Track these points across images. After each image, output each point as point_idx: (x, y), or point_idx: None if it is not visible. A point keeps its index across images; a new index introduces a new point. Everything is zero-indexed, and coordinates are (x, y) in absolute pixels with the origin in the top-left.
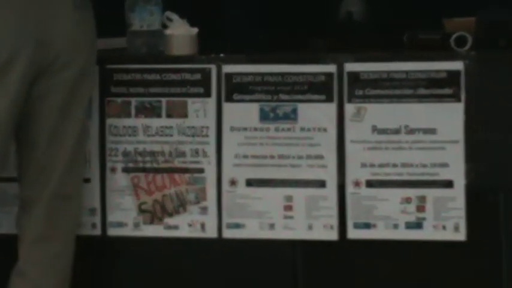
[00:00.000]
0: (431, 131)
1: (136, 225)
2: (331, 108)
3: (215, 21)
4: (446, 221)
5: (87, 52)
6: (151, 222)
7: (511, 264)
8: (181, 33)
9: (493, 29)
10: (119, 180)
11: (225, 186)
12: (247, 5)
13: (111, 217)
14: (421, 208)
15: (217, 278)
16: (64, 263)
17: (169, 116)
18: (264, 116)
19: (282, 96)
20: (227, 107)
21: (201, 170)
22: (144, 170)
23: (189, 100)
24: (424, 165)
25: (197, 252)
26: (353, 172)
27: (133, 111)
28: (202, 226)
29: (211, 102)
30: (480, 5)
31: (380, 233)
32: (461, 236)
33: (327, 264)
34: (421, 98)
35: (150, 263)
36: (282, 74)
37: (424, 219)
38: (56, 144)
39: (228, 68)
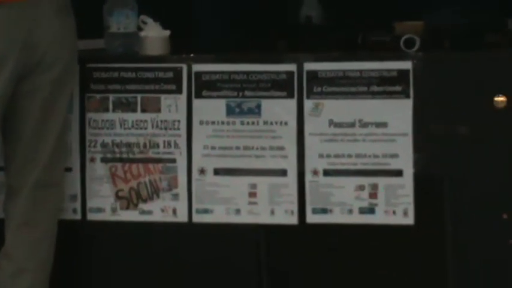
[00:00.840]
0: (383, 125)
1: (113, 211)
2: (291, 103)
3: (186, 24)
4: (396, 206)
5: (69, 53)
6: (127, 207)
7: (455, 245)
8: (155, 35)
9: (439, 32)
10: (98, 169)
11: (195, 174)
12: (216, 10)
13: (91, 203)
14: (373, 195)
15: (187, 259)
16: (47, 246)
17: (144, 110)
18: (230, 111)
19: (247, 93)
20: (197, 102)
21: (173, 160)
22: (120, 160)
23: (162, 96)
24: (376, 156)
25: (169, 235)
26: (312, 162)
27: (111, 106)
28: (174, 211)
29: (182, 98)
30: (427, 9)
31: (336, 217)
32: (409, 220)
33: (288, 247)
34: (374, 95)
35: (126, 245)
36: (247, 73)
37: (376, 205)
38: (40, 137)
39: (197, 67)
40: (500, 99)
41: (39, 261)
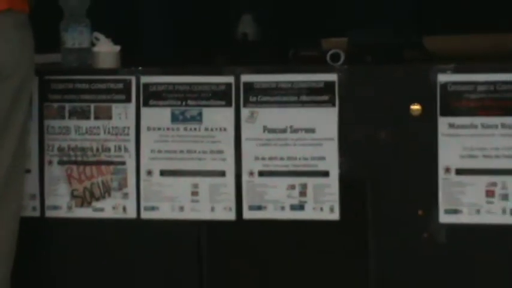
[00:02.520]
0: (311, 130)
1: (69, 208)
2: (229, 112)
3: (135, 40)
4: (323, 203)
5: (27, 66)
6: (82, 205)
7: (375, 238)
8: (106, 50)
9: (361, 48)
10: (55, 171)
11: (143, 175)
12: (163, 27)
13: (48, 201)
14: (303, 193)
15: (136, 253)
16: (10, 242)
17: (96, 118)
18: (174, 118)
19: (190, 102)
20: (144, 110)
21: (123, 163)
22: (75, 162)
23: (113, 105)
24: (306, 159)
25: (119, 231)
26: (248, 164)
27: (67, 114)
28: (124, 209)
29: (131, 107)
30: (351, 28)
31: (270, 213)
32: (335, 216)
33: (227, 240)
34: (303, 104)
35: (81, 239)
36: (190, 84)
37: (305, 202)
38: (2, 142)
39: (145, 79)
40: (415, 107)
41: (2, 255)
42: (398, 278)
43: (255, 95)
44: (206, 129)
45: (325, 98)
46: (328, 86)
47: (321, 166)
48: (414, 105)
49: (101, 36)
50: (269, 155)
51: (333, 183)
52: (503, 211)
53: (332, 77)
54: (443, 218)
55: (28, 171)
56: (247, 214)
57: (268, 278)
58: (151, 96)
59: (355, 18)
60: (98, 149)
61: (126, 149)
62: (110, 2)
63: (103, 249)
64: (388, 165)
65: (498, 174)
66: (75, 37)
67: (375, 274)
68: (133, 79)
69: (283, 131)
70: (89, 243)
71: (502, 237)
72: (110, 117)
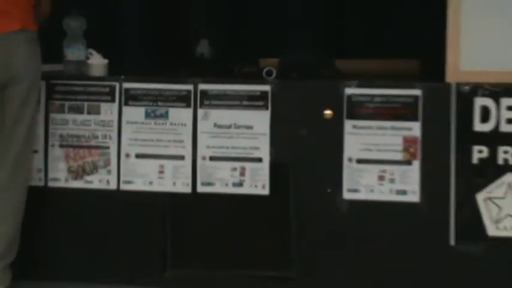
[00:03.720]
0: (250, 127)
1: (66, 180)
2: (189, 111)
3: (119, 56)
4: (257, 182)
5: (35, 73)
6: (76, 178)
7: (296, 209)
8: (97, 63)
9: (288, 67)
10: (56, 152)
11: (122, 157)
12: (140, 48)
13: (51, 175)
14: (242, 174)
15: (116, 215)
16: (20, 203)
17: (89, 113)
18: (147, 115)
19: (159, 103)
20: (125, 109)
21: (108, 147)
22: (72, 146)
23: (102, 104)
24: (245, 148)
25: (103, 199)
26: (202, 151)
27: (66, 110)
28: (108, 182)
29: (115, 105)
30: (282, 51)
31: (217, 188)
32: (266, 191)
33: (184, 208)
34: (244, 107)
35: (75, 204)
36: (160, 90)
37: (244, 181)
38: (15, 129)
39: (126, 85)
40: (328, 112)
41: (15, 211)
42: (313, 237)
43: (208, 100)
44: (171, 124)
45: (261, 103)
46: (263, 94)
47: (256, 154)
48: (327, 110)
49: (94, 52)
50: (218, 145)
51: (264, 167)
52: (391, 191)
53: (266, 87)
54: (346, 195)
55: (36, 151)
56: (200, 188)
57: (215, 237)
58: (130, 98)
59: (286, 43)
60: (89, 137)
61: (110, 137)
62: (101, 27)
63: (91, 211)
64: (306, 154)
65: (387, 164)
66: (74, 52)
67: (296, 234)
68: (117, 85)
69: (229, 127)
70: (81, 207)
71: (389, 210)
72: (98, 113)
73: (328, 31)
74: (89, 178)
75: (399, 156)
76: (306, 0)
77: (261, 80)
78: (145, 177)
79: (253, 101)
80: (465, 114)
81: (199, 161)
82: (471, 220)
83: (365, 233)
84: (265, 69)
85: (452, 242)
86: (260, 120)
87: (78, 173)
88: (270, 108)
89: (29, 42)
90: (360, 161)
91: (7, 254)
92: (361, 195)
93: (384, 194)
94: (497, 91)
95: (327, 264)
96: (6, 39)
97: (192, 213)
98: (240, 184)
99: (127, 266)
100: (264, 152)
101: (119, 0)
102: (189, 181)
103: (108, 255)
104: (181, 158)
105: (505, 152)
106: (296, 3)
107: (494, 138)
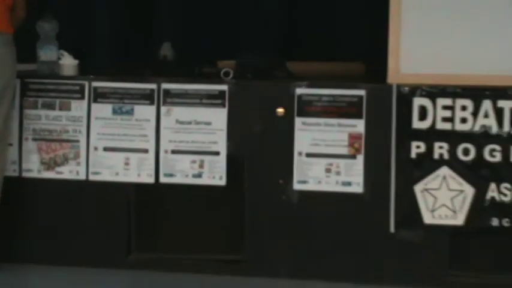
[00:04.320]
0: (208, 123)
1: (39, 171)
2: (153, 108)
3: (90, 56)
4: (215, 173)
5: (9, 72)
6: (48, 169)
7: (251, 198)
8: (68, 63)
9: (244, 68)
10: (30, 145)
11: (91, 150)
12: (109, 49)
13: (24, 166)
14: (201, 166)
15: (84, 204)
16: None
17: (60, 109)
18: (114, 112)
19: (125, 101)
20: (94, 105)
21: (78, 141)
22: (45, 139)
23: (72, 101)
24: (204, 142)
25: (73, 188)
26: (164, 145)
27: (39, 106)
28: (77, 172)
29: (85, 103)
30: (239, 53)
31: (178, 179)
32: (223, 182)
33: (147, 197)
34: (204, 105)
35: (47, 193)
36: (126, 88)
37: (203, 172)
38: None
39: (95, 84)
40: (280, 110)
41: None
42: (266, 224)
43: (171, 98)
44: (136, 120)
45: (219, 101)
46: (221, 93)
47: (214, 148)
48: (279, 108)
49: (65, 53)
50: (179, 139)
51: (222, 160)
52: (337, 182)
53: (224, 87)
54: (296, 186)
55: (11, 144)
56: (163, 179)
57: (176, 224)
58: (99, 96)
59: (242, 46)
60: (60, 131)
61: (80, 132)
62: (72, 29)
63: (62, 200)
64: (260, 149)
65: (334, 157)
66: (47, 53)
67: (250, 222)
68: (86, 83)
69: (189, 123)
70: (52, 196)
71: (335, 200)
72: (69, 109)
73: (280, 35)
74: (59, 169)
75: (345, 150)
76: (261, 7)
77: (219, 80)
78: (112, 168)
79: (211, 99)
80: (405, 112)
81: (161, 154)
82: (409, 209)
83: (313, 220)
84: (223, 70)
85: (392, 229)
86: (218, 117)
87: (49, 164)
88: (227, 106)
89: (4, 43)
90: (309, 155)
91: None
92: (310, 186)
93: (330, 185)
94: (434, 92)
95: (277, 248)
96: None
97: (155, 202)
98: (199, 175)
99: (95, 250)
100: (222, 146)
101: (89, 6)
102: (153, 172)
103: (77, 240)
104: (145, 151)
105: (441, 148)
106: (251, 9)
107: (431, 135)
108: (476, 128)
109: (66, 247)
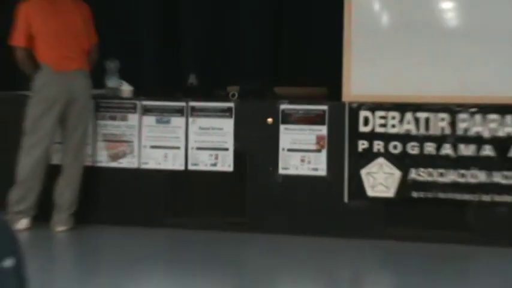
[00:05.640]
0: (221, 129)
1: (106, 162)
2: (183, 119)
3: (140, 84)
4: (226, 163)
5: (87, 95)
6: (112, 161)
7: (251, 180)
8: (126, 89)
9: (245, 91)
10: (100, 144)
11: (142, 147)
12: (154, 77)
13: (97, 158)
14: (216, 158)
15: (137, 185)
16: (79, 174)
17: (121, 120)
18: (157, 121)
19: (165, 114)
20: (144, 117)
21: (132, 141)
22: (110, 140)
23: (129, 114)
24: (218, 142)
25: (129, 174)
26: (191, 143)
27: (107, 118)
28: (132, 163)
29: (137, 115)
30: (241, 80)
31: (201, 167)
32: (231, 169)
33: (180, 179)
34: (218, 116)
35: (112, 177)
36: (165, 105)
37: (217, 162)
38: (76, 131)
39: (144, 102)
40: (270, 119)
41: (76, 181)
42: (261, 197)
43: (195, 112)
44: (172, 127)
45: (228, 114)
46: (229, 109)
47: (225, 145)
48: (269, 118)
49: (124, 82)
50: (201, 140)
51: (230, 154)
52: (308, 168)
53: (231, 104)
54: (281, 171)
55: (88, 144)
56: (190, 167)
57: (199, 198)
58: (147, 110)
59: (243, 75)
60: (120, 135)
61: (134, 135)
62: (129, 66)
63: (122, 182)
64: (257, 146)
65: (306, 152)
66: (112, 82)
67: (249, 195)
68: (138, 102)
69: (208, 129)
70: (115, 179)
71: (307, 180)
72: (127, 120)
73: (270, 67)
74: (120, 161)
75: (313, 147)
76: (256, 48)
77: (228, 100)
78: (156, 160)
79: (223, 113)
80: (354, 121)
81: (189, 150)
82: (358, 186)
83: (292, 195)
84: (231, 93)
85: (346, 200)
86: (227, 124)
87: (113, 157)
88: (233, 117)
89: (84, 76)
90: (289, 150)
91: (71, 206)
92: (291, 171)
93: (304, 170)
94: (374, 107)
95: (268, 214)
96: (71, 74)
97: (185, 183)
98: (214, 164)
99: (144, 215)
100: (230, 145)
101: (141, 51)
102: (183, 162)
103: (132, 208)
104: (178, 148)
105: (378, 145)
106: (250, 51)
107: (371, 136)
108: (402, 131)
109: (125, 213)
